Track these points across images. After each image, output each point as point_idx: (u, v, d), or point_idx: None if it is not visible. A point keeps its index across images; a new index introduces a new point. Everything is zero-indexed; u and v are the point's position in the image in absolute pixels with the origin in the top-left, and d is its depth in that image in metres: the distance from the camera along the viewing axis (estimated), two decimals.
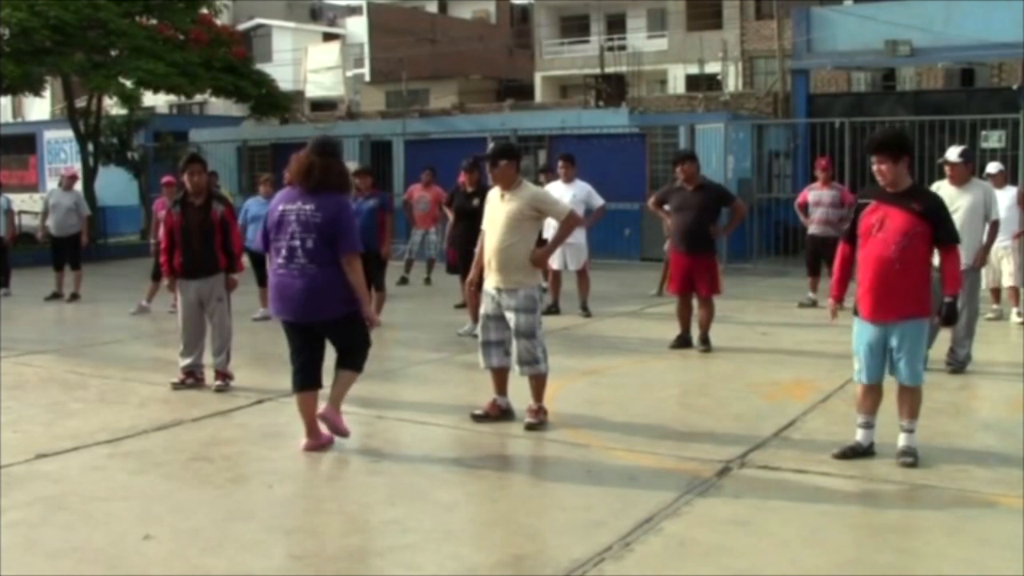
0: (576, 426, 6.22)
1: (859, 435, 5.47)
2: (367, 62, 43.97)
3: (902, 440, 5.35)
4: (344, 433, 5.68)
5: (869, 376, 5.40)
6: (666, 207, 9.16)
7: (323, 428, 5.70)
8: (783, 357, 8.61)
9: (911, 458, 5.27)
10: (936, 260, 5.42)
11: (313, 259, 5.46)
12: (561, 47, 43.74)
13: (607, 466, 5.41)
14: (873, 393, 5.45)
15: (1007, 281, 10.31)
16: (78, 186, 14.91)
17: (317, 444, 5.67)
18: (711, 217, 8.83)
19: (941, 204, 5.41)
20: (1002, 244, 9.74)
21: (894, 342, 5.28)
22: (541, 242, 6.46)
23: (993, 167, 10.12)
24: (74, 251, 13.30)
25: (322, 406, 5.66)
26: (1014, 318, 10.26)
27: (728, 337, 9.21)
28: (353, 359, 5.70)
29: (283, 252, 5.53)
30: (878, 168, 5.32)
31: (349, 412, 5.83)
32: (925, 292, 5.30)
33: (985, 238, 7.70)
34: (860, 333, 5.41)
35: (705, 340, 8.84)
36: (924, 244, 5.26)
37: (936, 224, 5.26)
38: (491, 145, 6.49)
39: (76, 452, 5.72)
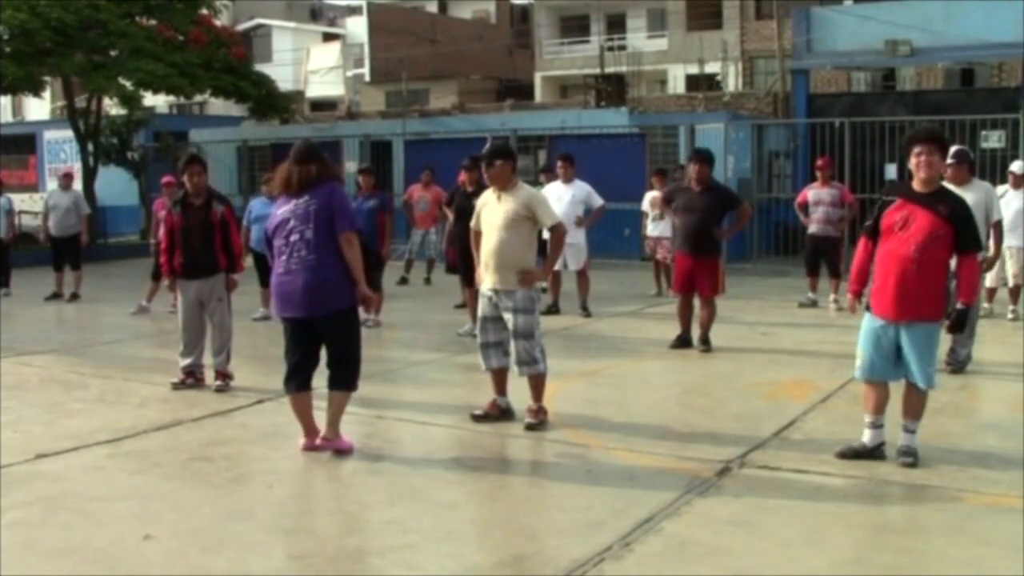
0: (576, 426, 6.22)
1: (866, 436, 5.41)
2: (367, 62, 43.99)
3: (903, 440, 5.34)
4: (348, 450, 5.64)
5: (869, 372, 5.38)
6: (673, 206, 9.14)
7: (344, 436, 5.67)
8: (783, 357, 8.61)
9: (911, 458, 5.26)
10: (953, 264, 5.35)
11: (313, 250, 5.46)
12: (561, 47, 43.72)
13: (607, 466, 5.41)
14: (877, 390, 5.40)
15: (1012, 281, 10.36)
16: (77, 185, 14.91)
17: (316, 444, 5.65)
18: (716, 219, 8.81)
19: (968, 209, 5.35)
20: (1013, 245, 9.82)
21: (904, 343, 5.24)
22: (542, 244, 6.45)
23: (1017, 167, 10.18)
24: (74, 251, 13.31)
25: (320, 418, 5.65)
26: (1008, 315, 10.32)
27: (728, 337, 9.21)
28: (344, 375, 5.62)
29: (283, 249, 5.54)
30: (926, 160, 5.16)
31: (349, 412, 5.81)
32: (940, 295, 5.27)
33: (991, 241, 7.69)
34: (869, 329, 5.37)
35: (705, 340, 8.84)
36: (945, 247, 5.21)
37: (960, 229, 5.20)
38: (488, 144, 6.48)
39: (76, 452, 5.72)
